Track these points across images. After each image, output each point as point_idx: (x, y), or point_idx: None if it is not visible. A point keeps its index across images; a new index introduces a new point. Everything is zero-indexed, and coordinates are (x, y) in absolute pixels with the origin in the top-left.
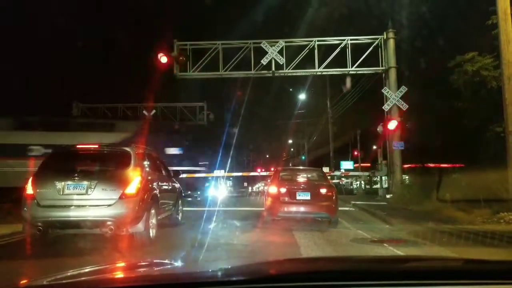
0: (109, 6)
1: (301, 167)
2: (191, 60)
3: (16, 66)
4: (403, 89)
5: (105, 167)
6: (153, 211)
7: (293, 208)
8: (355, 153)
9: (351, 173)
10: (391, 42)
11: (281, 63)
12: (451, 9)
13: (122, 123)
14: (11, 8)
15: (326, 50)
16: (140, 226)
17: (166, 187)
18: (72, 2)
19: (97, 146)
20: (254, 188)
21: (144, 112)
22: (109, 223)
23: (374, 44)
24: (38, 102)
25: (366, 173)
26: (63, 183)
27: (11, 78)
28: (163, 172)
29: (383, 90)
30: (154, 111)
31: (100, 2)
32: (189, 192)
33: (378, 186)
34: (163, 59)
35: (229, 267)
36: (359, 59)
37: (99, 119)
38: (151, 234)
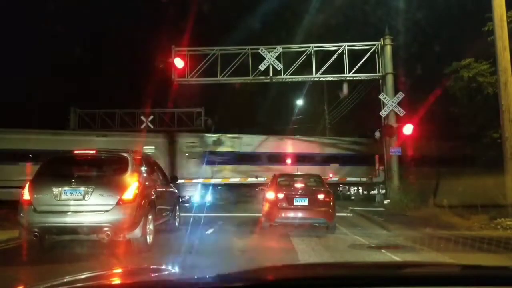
0: (107, 11)
1: (298, 173)
2: (189, 65)
3: (15, 70)
4: (400, 95)
5: (102, 173)
6: (150, 216)
7: (291, 214)
8: None
9: (348, 179)
10: (388, 49)
11: (279, 69)
12: (447, 16)
13: None
14: (12, 11)
15: (323, 56)
16: (137, 232)
17: (163, 192)
18: (71, 7)
19: (94, 152)
20: (251, 194)
21: (142, 118)
22: (106, 229)
23: (371, 50)
24: (35, 107)
25: (364, 179)
26: (60, 188)
27: (10, 82)
28: (161, 177)
29: (380, 96)
30: (151, 116)
31: (99, 7)
32: (186, 197)
33: (375, 191)
34: (161, 65)
35: (227, 273)
36: (357, 65)
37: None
38: (148, 240)
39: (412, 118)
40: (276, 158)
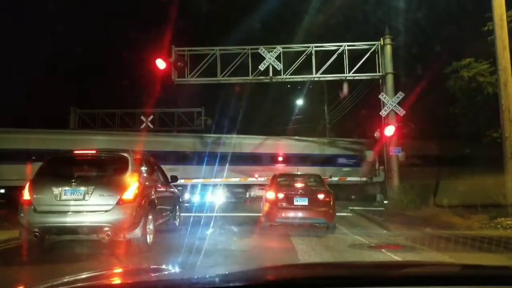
0: (107, 12)
1: (298, 173)
2: (189, 65)
3: (15, 70)
4: (400, 95)
5: (102, 173)
6: (150, 216)
7: (291, 214)
8: None
9: (348, 179)
10: (388, 48)
11: (279, 69)
12: (447, 16)
13: None
14: (11, 11)
15: (323, 56)
16: (138, 232)
17: (163, 192)
18: (71, 7)
19: (94, 152)
20: (251, 194)
21: (142, 118)
22: (106, 229)
23: (371, 50)
24: (35, 107)
25: (364, 179)
26: (60, 188)
27: (10, 82)
28: (161, 177)
29: (380, 96)
30: (151, 117)
31: (99, 7)
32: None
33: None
34: (161, 65)
35: (227, 273)
36: (356, 65)
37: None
38: (148, 240)
39: (411, 118)
40: None
